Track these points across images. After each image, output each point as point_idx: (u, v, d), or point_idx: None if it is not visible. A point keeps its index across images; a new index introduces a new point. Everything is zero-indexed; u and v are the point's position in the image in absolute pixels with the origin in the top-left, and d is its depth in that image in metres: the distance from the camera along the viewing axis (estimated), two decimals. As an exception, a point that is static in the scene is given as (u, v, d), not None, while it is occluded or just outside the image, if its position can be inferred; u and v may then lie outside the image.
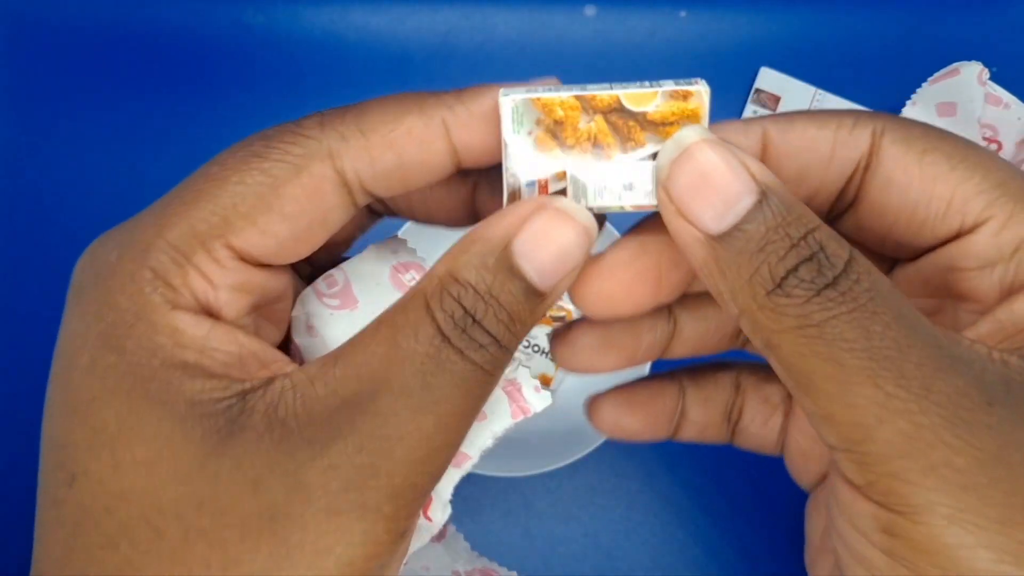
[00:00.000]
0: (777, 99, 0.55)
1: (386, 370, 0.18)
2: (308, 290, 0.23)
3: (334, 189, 0.20)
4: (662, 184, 0.19)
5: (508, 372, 0.23)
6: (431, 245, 0.52)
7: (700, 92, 0.19)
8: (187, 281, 0.19)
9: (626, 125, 0.20)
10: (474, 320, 0.18)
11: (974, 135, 0.52)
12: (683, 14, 0.56)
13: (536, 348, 0.52)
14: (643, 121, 0.20)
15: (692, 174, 0.19)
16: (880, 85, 0.54)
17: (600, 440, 0.47)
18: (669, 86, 0.20)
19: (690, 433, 0.27)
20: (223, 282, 0.19)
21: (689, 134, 0.19)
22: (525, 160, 0.20)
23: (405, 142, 0.20)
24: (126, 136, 0.55)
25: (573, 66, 0.54)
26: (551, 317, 0.53)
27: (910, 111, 0.52)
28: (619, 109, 0.20)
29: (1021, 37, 0.56)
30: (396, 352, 0.18)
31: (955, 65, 0.52)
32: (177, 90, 0.55)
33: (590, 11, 0.55)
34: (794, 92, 0.55)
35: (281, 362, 0.20)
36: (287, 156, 0.20)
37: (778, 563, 0.49)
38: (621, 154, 0.20)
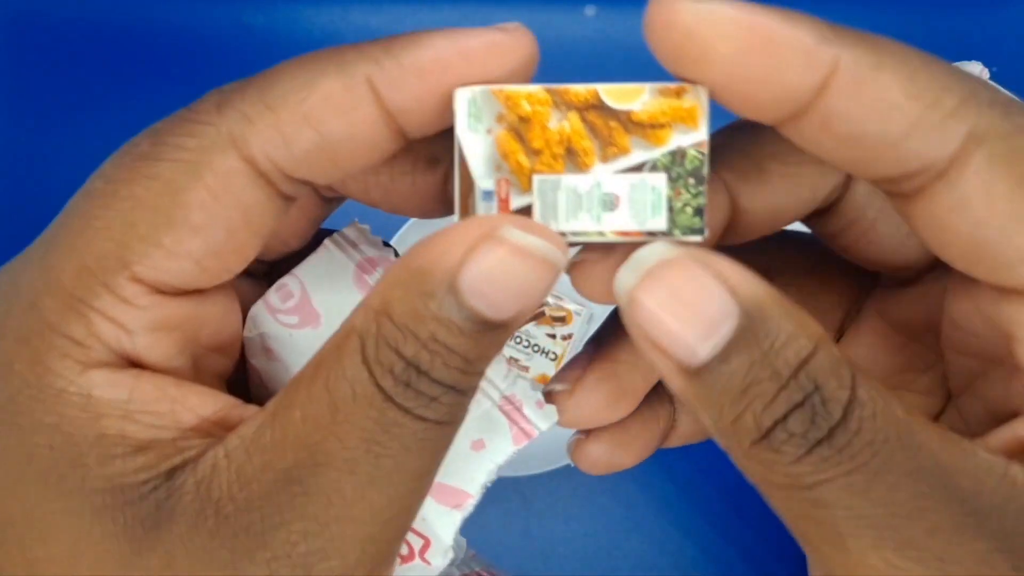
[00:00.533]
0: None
1: (325, 439, 0.15)
2: (259, 305, 0.20)
3: (248, 184, 0.16)
4: (624, 311, 0.16)
5: (504, 387, 0.20)
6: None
7: (698, 89, 0.16)
8: (93, 331, 0.16)
9: (607, 126, 0.16)
10: (419, 371, 0.15)
11: (974, 135, 0.52)
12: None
13: (536, 348, 0.51)
14: (627, 122, 0.16)
15: (659, 300, 0.15)
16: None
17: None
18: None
19: (675, 443, 0.25)
20: (137, 324, 0.16)
21: (650, 252, 0.16)
22: (481, 164, 0.16)
23: (323, 112, 0.16)
24: (124, 136, 0.54)
25: (573, 66, 0.54)
26: (551, 317, 0.53)
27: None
28: (598, 106, 0.16)
29: (1021, 37, 0.56)
30: (335, 415, 0.15)
31: (954, 65, 0.52)
32: (176, 90, 0.55)
33: (590, 11, 0.55)
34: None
35: (225, 408, 0.17)
36: (180, 152, 0.16)
37: (777, 563, 0.49)
38: (600, 163, 0.16)
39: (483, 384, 0.20)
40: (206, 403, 0.17)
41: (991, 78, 0.51)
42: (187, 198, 0.16)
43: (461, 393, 0.16)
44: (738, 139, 0.19)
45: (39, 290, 0.16)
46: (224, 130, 0.16)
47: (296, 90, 0.16)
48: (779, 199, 0.19)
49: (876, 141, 0.15)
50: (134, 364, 0.17)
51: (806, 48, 0.15)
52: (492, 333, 0.15)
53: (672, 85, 0.16)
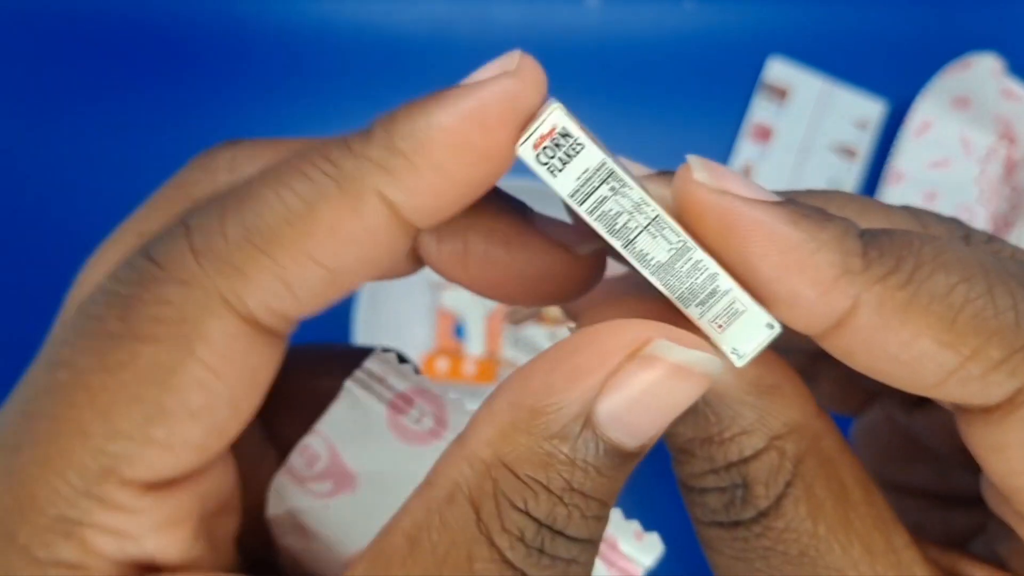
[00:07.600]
0: (783, 92, 0.54)
1: None
2: (282, 477, 0.17)
3: (251, 345, 0.14)
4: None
5: None
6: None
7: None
8: (90, 549, 0.13)
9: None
10: (554, 532, 0.13)
11: (988, 130, 0.51)
12: (688, 5, 0.54)
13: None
14: None
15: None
16: (893, 75, 0.53)
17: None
18: None
19: None
20: (142, 529, 0.14)
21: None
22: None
23: (331, 246, 0.14)
24: (114, 128, 0.53)
25: (575, 60, 0.53)
26: (550, 317, 0.52)
27: (923, 104, 0.51)
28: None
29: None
30: None
31: (968, 57, 0.51)
32: (168, 82, 0.54)
33: (593, 2, 0.54)
34: (803, 85, 0.54)
35: None
36: (160, 327, 0.13)
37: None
38: None
39: None
40: None
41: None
42: (180, 380, 0.13)
43: (595, 545, 0.13)
44: None
45: (12, 517, 0.13)
46: (212, 290, 0.14)
47: (292, 222, 0.13)
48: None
49: (904, 383, 0.14)
50: (148, 568, 0.14)
51: (821, 282, 0.13)
52: (630, 463, 0.13)
53: None
